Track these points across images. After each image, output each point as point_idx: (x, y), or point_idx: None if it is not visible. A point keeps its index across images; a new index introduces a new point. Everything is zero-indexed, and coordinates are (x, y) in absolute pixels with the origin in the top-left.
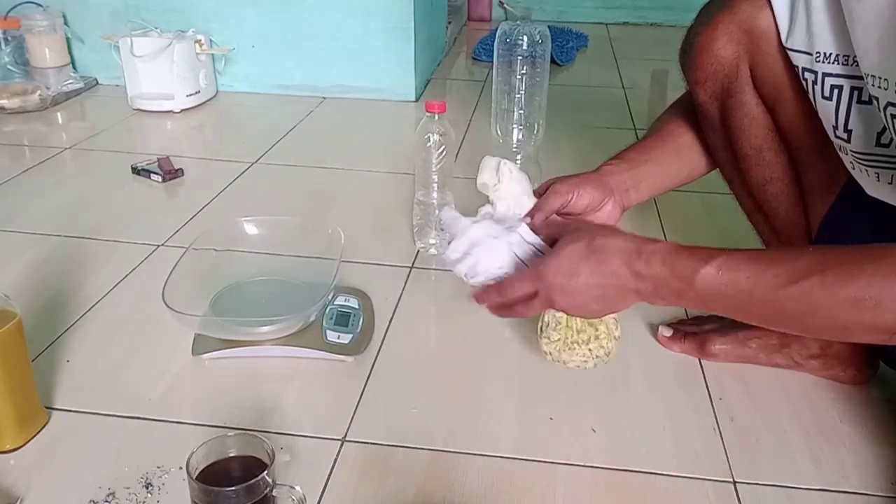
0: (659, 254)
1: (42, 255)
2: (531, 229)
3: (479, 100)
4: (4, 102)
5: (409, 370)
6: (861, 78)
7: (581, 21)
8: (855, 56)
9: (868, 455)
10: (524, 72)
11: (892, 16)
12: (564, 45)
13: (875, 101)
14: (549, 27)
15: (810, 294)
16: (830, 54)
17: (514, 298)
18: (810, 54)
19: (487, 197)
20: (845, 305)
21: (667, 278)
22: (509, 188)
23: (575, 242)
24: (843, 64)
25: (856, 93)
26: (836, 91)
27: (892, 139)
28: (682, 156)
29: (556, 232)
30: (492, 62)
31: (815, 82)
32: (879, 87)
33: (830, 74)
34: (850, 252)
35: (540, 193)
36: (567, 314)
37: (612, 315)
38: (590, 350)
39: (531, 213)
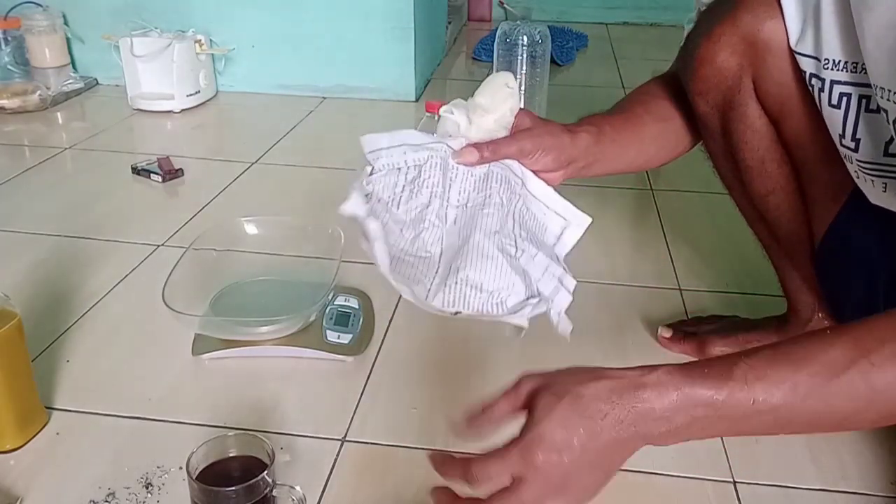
0: (665, 384)
1: (42, 255)
2: (465, 162)
3: None
4: (4, 102)
5: (409, 370)
6: (870, 86)
7: (581, 21)
8: (864, 64)
9: (868, 455)
10: (524, 72)
11: (892, 13)
12: (564, 45)
13: (884, 113)
14: (549, 27)
15: (860, 385)
16: (839, 61)
17: (481, 481)
18: (818, 60)
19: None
20: None
21: (685, 407)
22: (495, 124)
23: (557, 403)
24: (851, 71)
25: (864, 101)
26: (844, 99)
27: None
28: (643, 142)
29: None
30: (492, 62)
31: (822, 90)
32: (888, 100)
33: (839, 82)
34: (882, 328)
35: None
36: None
37: None
38: None
39: (481, 149)
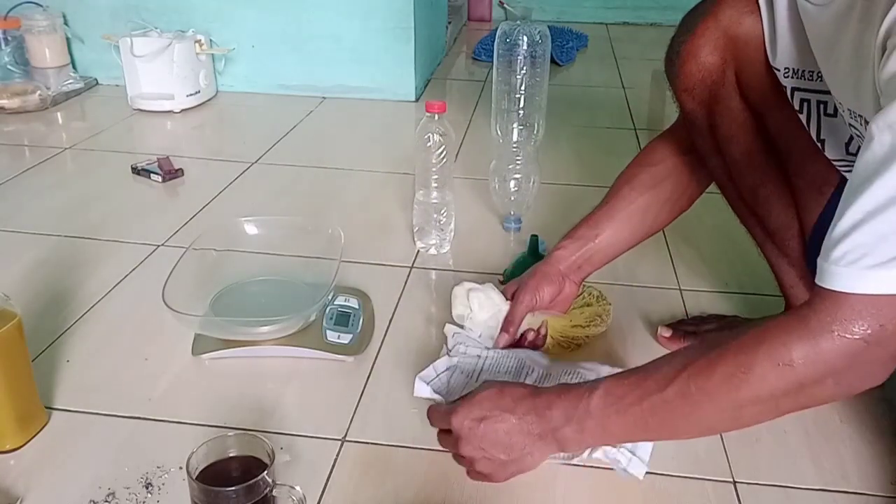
0: (553, 393)
1: (42, 255)
2: (506, 344)
3: (479, 100)
4: (4, 102)
5: (409, 370)
6: (825, 92)
7: (581, 21)
8: (819, 72)
9: (868, 455)
10: (524, 72)
11: (830, 36)
12: (564, 45)
13: (841, 116)
14: (549, 27)
15: (689, 385)
16: (798, 70)
17: (438, 427)
18: (779, 70)
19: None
20: (722, 387)
21: (566, 411)
22: (480, 314)
23: (486, 390)
24: (808, 79)
25: (822, 106)
26: (805, 104)
27: (859, 147)
28: (633, 220)
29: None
30: (492, 62)
31: (788, 95)
32: (840, 107)
33: (799, 89)
34: (716, 339)
35: (509, 296)
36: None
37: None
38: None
39: (505, 328)
